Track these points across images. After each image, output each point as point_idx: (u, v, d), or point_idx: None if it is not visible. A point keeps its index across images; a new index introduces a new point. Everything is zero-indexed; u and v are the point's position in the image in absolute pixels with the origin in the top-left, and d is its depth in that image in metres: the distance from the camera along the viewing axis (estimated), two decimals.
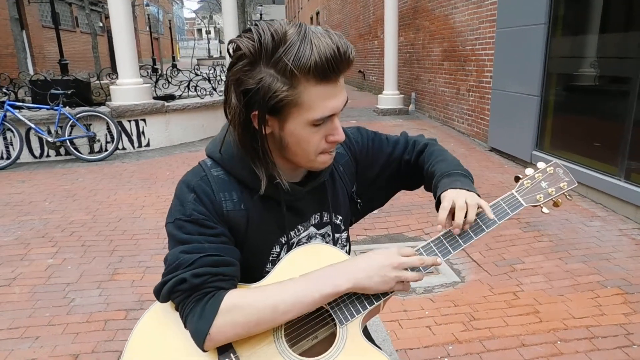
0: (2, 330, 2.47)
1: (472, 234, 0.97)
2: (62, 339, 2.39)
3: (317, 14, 23.75)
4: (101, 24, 23.83)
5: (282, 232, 0.98)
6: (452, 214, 0.94)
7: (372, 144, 1.12)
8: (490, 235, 3.43)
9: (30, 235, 3.74)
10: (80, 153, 6.35)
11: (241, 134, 0.88)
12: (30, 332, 2.46)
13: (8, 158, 6.09)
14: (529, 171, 1.08)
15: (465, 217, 0.93)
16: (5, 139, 6.12)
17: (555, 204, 1.07)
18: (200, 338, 0.85)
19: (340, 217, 1.08)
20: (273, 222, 0.96)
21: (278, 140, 0.89)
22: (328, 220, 1.05)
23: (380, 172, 1.12)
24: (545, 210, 1.05)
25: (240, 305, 0.86)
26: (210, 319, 0.84)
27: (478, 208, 0.95)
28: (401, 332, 2.40)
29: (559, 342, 2.26)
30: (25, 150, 6.23)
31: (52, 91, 6.24)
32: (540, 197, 1.04)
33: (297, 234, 1.00)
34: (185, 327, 0.87)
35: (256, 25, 0.81)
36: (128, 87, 6.75)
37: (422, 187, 1.17)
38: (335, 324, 0.93)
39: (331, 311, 0.93)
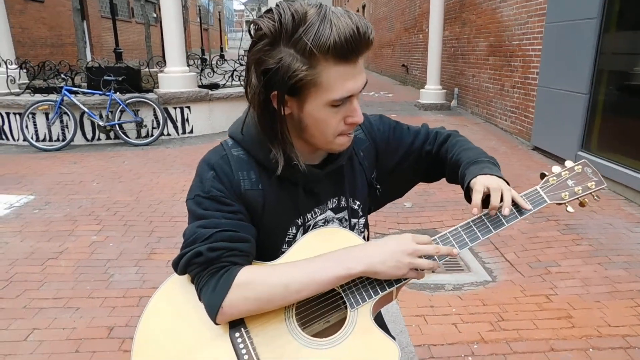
0: (48, 300, 2.64)
1: (503, 220, 0.96)
2: (100, 312, 2.53)
3: (364, 7, 23.53)
4: (155, 15, 24.62)
5: (298, 214, 0.99)
6: (484, 200, 0.93)
7: (394, 133, 1.12)
8: (527, 236, 3.33)
9: (78, 213, 3.96)
10: (128, 137, 6.63)
11: (260, 115, 0.89)
12: (72, 303, 2.62)
13: (63, 140, 6.45)
14: (556, 169, 1.05)
15: (502, 200, 0.92)
16: (61, 122, 6.49)
17: (582, 204, 1.04)
18: (213, 311, 0.88)
19: (358, 203, 1.08)
20: (289, 204, 0.98)
21: (297, 122, 0.90)
22: (345, 205, 1.06)
23: (400, 161, 1.12)
24: (570, 209, 1.02)
25: (253, 281, 0.88)
26: (223, 293, 0.87)
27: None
28: (426, 327, 2.39)
29: (591, 350, 2.18)
30: (79, 133, 6.57)
31: (105, 77, 6.54)
32: (566, 195, 1.01)
33: (314, 216, 1.02)
34: (200, 299, 0.91)
35: (277, 5, 0.82)
36: (175, 75, 6.98)
37: (444, 179, 1.16)
38: (346, 307, 0.94)
39: (343, 294, 0.94)
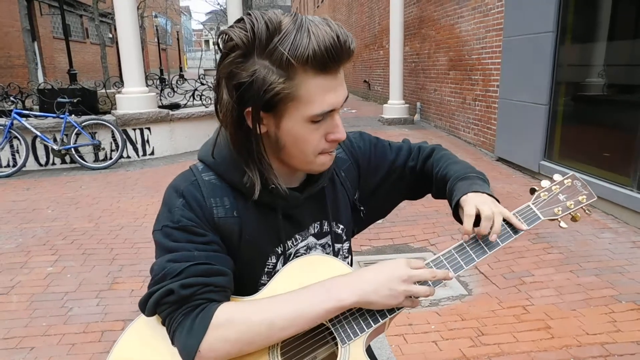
0: None
1: (498, 240, 0.90)
2: (58, 350, 2.33)
3: None
4: (110, 35, 24.07)
5: (278, 241, 0.91)
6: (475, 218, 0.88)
7: (375, 149, 1.06)
8: None
9: (31, 243, 3.70)
10: (85, 161, 6.35)
11: (234, 134, 0.81)
12: (26, 342, 2.40)
13: (14, 166, 6.10)
14: (545, 183, 1.01)
15: (492, 226, 0.87)
16: (12, 146, 6.15)
17: (574, 219, 1.00)
18: (189, 355, 0.78)
19: (341, 227, 1.01)
20: (268, 231, 0.89)
21: (274, 141, 0.83)
22: (328, 230, 0.98)
23: (383, 180, 1.05)
24: (563, 224, 0.98)
25: (233, 320, 0.79)
26: (201, 335, 0.77)
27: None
28: (406, 347, 2.32)
29: None
30: (31, 158, 6.25)
31: (59, 99, 6.26)
32: (559, 211, 0.97)
33: (295, 244, 0.94)
34: (173, 343, 0.81)
35: (249, 14, 0.75)
36: (133, 96, 6.77)
37: (429, 195, 1.11)
38: (336, 343, 0.86)
39: (332, 329, 0.86)
